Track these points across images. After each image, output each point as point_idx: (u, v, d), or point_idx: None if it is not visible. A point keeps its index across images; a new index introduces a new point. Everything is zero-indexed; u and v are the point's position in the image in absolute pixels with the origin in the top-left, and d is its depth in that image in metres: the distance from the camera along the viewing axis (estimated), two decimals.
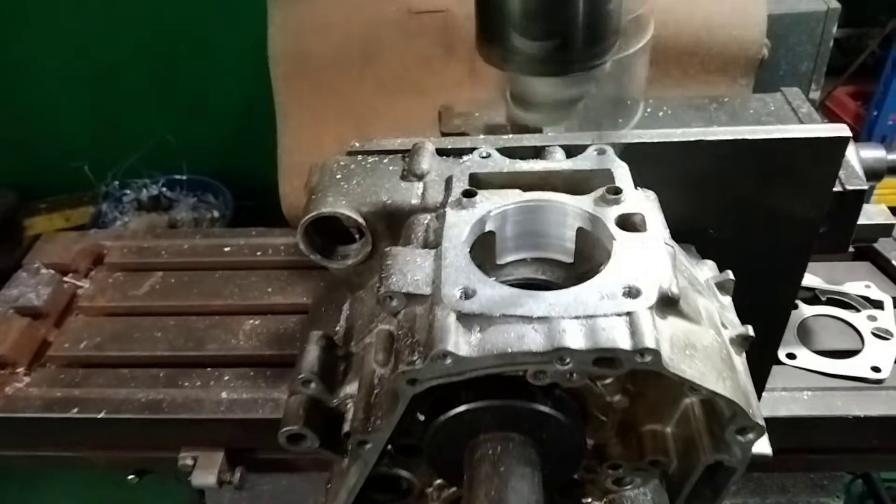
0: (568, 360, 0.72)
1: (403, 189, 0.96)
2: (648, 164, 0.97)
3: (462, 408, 0.85)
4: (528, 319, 0.72)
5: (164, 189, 3.39)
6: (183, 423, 1.58)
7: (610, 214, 0.84)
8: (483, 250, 0.87)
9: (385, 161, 1.04)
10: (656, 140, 1.05)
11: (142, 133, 3.15)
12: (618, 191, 0.87)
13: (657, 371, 0.72)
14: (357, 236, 0.97)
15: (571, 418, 0.87)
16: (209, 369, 1.63)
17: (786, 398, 1.44)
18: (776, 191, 1.10)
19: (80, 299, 1.78)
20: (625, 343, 0.70)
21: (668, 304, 0.78)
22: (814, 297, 1.68)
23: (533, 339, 0.76)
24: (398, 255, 0.88)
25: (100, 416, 1.54)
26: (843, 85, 3.24)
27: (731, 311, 1.01)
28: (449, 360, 0.74)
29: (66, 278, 1.78)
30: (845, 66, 3.15)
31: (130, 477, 1.94)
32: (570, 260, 0.90)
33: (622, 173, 0.92)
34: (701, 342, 0.79)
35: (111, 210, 3.39)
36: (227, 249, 1.91)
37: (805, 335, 1.60)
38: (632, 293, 0.74)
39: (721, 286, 1.01)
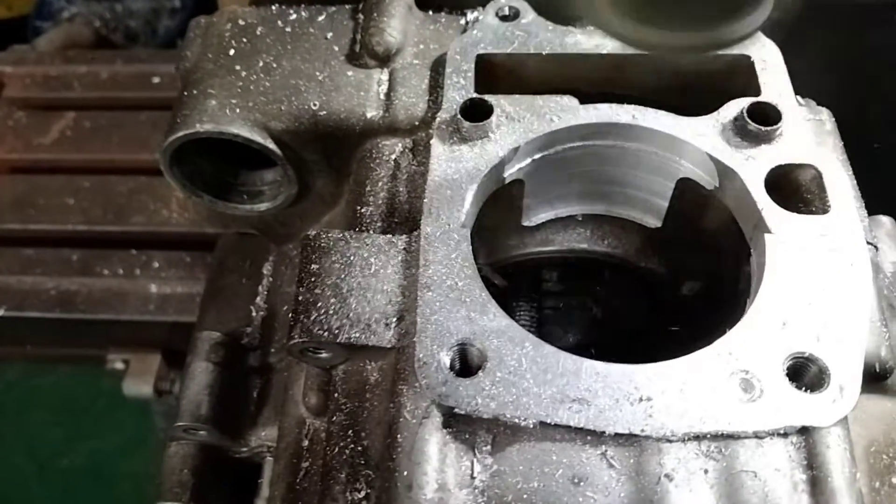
0: None
1: (351, 82, 0.54)
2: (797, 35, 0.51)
3: None
4: (594, 439, 0.33)
5: None
6: (104, 324, 1.33)
7: (755, 165, 0.41)
8: (499, 206, 0.44)
9: (320, 20, 0.56)
10: None
11: None
12: (770, 116, 0.41)
13: None
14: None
15: None
16: (134, 251, 1.34)
17: None
18: None
19: None
20: None
21: (871, 382, 0.37)
22: None
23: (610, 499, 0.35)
24: (332, 253, 0.44)
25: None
26: None
27: None
28: None
29: None
30: None
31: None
32: (657, 223, 0.46)
33: (771, 63, 0.45)
34: None
35: None
36: (156, 80, 1.57)
37: None
38: (808, 377, 0.36)
39: None
